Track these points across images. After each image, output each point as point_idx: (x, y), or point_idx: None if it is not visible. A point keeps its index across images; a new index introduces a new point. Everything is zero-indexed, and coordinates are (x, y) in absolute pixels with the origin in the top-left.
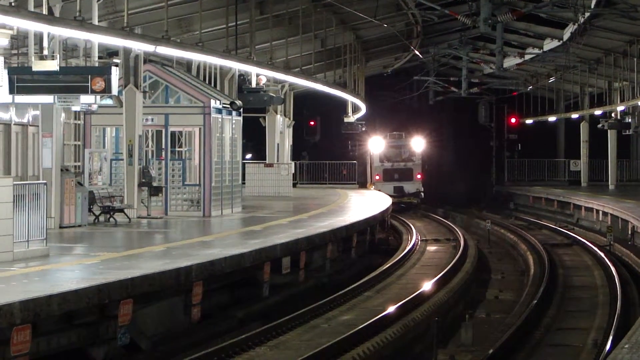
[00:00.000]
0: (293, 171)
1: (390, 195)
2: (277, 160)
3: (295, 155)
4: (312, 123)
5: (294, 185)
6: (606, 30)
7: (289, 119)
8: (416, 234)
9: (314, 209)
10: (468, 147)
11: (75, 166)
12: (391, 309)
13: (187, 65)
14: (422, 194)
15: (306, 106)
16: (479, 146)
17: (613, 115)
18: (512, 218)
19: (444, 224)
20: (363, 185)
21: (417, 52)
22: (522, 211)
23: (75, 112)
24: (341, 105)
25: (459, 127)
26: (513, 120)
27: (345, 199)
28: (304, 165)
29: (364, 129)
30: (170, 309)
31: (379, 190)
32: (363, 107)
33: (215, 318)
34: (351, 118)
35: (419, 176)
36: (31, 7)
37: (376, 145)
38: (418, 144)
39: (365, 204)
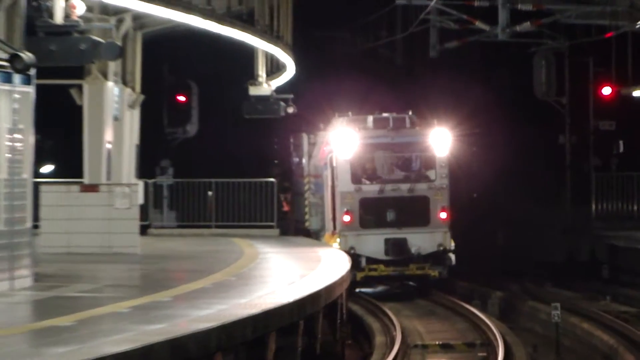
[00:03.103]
0: (142, 201)
1: (379, 261)
2: (108, 179)
3: (148, 167)
4: (181, 99)
5: (144, 230)
6: None
7: (134, 89)
8: (401, 334)
9: (185, 281)
10: (512, 148)
11: None
12: None
13: None
14: (453, 256)
15: (170, 64)
16: (535, 146)
17: None
18: (606, 298)
19: (462, 311)
20: (297, 230)
21: None
22: (628, 283)
23: None
24: (243, 62)
25: (493, 107)
26: (607, 90)
27: (253, 260)
28: (164, 188)
29: (291, 110)
30: None
31: (351, 251)
32: (291, 66)
33: None
34: (265, 88)
35: (443, 214)
36: None
37: (341, 143)
38: (441, 141)
39: (292, 270)
